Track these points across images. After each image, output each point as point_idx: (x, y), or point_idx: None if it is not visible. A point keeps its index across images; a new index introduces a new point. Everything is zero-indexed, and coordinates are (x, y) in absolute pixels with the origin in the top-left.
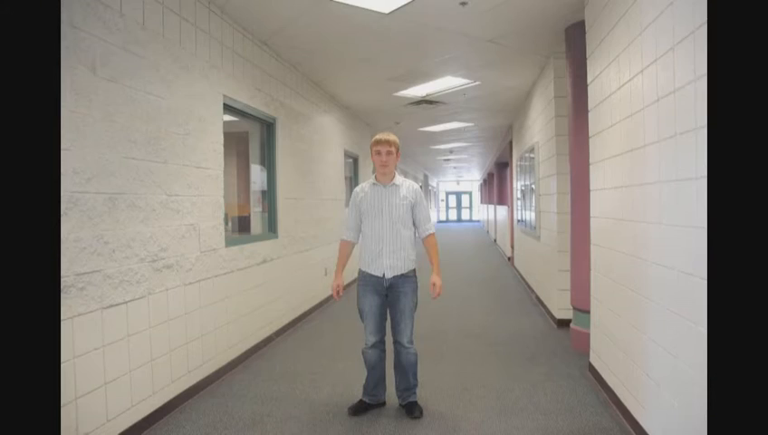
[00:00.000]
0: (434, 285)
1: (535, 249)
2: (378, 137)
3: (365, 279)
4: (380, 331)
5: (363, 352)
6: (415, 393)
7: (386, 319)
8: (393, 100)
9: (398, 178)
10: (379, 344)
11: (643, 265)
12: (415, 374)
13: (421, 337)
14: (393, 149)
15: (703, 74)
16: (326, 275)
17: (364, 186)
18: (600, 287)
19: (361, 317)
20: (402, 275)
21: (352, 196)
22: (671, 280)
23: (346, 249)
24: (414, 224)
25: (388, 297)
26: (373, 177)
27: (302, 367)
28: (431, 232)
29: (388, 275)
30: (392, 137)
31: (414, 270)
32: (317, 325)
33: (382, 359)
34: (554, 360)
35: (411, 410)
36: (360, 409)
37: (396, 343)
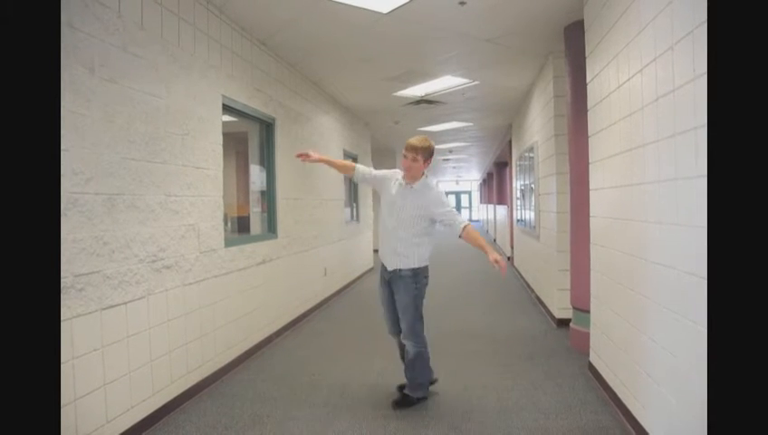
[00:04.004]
0: (496, 261)
1: (535, 249)
2: (409, 141)
3: (380, 268)
4: (390, 320)
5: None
6: (410, 388)
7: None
8: (392, 99)
9: (419, 184)
10: (397, 335)
11: (643, 264)
12: (412, 369)
13: None
14: (420, 157)
15: (702, 73)
16: (326, 275)
17: (398, 174)
18: (600, 287)
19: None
20: (397, 272)
21: (386, 172)
22: (671, 279)
23: (346, 163)
24: (444, 225)
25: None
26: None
27: (302, 367)
28: (464, 224)
29: (388, 268)
30: (423, 144)
31: (412, 270)
32: (317, 325)
33: (403, 347)
34: (554, 359)
35: (397, 398)
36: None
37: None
